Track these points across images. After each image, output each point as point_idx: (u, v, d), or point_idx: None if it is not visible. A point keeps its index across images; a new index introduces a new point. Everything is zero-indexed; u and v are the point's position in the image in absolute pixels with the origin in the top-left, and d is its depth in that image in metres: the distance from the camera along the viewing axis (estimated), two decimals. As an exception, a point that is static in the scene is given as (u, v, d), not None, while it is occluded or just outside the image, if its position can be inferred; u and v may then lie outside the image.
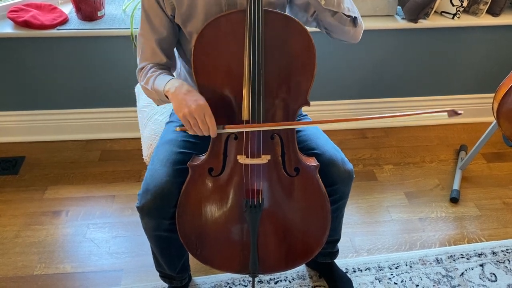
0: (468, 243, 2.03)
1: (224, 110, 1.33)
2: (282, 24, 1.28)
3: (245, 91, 1.28)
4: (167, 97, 1.33)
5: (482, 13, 2.39)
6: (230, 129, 1.31)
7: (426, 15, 2.37)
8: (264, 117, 1.30)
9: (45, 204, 2.17)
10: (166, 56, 1.44)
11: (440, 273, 1.88)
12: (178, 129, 1.30)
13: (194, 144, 1.49)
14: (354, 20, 1.37)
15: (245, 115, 1.29)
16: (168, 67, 1.47)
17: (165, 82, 1.33)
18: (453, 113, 1.19)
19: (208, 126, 1.25)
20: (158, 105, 1.48)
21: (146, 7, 1.39)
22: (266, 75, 1.28)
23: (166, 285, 1.74)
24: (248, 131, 1.32)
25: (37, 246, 1.97)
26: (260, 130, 1.31)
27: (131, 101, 2.14)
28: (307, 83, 1.32)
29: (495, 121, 2.05)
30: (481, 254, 1.96)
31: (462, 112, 1.19)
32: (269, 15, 1.26)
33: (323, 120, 1.39)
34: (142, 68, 1.44)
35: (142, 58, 1.44)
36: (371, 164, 2.47)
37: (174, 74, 1.51)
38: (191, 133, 1.28)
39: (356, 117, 1.33)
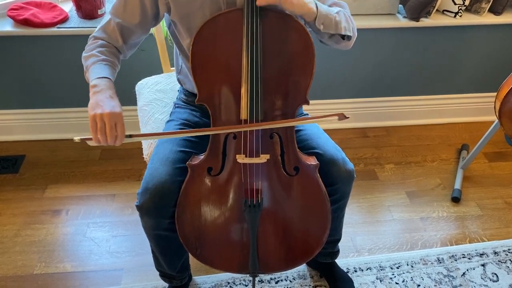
0: (469, 242, 2.02)
1: (223, 109, 1.33)
2: (281, 22, 1.27)
3: (243, 90, 1.27)
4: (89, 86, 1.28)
5: (484, 12, 2.38)
6: (138, 138, 1.29)
7: (428, 14, 2.36)
8: (262, 116, 1.30)
9: (45, 203, 2.17)
10: (123, 42, 1.42)
11: (441, 273, 1.87)
12: (77, 138, 1.21)
13: (194, 143, 1.48)
14: (348, 37, 1.40)
15: (243, 114, 1.28)
16: (120, 52, 1.44)
17: (97, 76, 1.29)
18: (343, 116, 1.21)
19: (115, 134, 1.21)
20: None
21: None
22: (264, 74, 1.27)
23: (166, 284, 1.74)
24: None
25: (37, 245, 1.97)
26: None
27: (132, 100, 2.13)
28: (306, 82, 1.31)
29: (497, 120, 2.04)
30: (482, 254, 1.95)
31: (349, 116, 1.21)
32: (267, 14, 1.26)
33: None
34: (94, 38, 1.41)
35: (100, 28, 1.42)
36: (372, 163, 2.46)
37: (122, 57, 1.47)
38: (92, 143, 1.22)
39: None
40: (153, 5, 1.38)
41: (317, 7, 1.29)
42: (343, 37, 1.39)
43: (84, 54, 1.39)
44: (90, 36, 1.43)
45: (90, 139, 1.21)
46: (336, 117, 1.21)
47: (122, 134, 1.22)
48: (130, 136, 1.23)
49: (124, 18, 1.40)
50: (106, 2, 2.35)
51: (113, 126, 1.20)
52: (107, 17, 1.42)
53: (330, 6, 1.40)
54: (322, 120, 1.27)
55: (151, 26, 1.45)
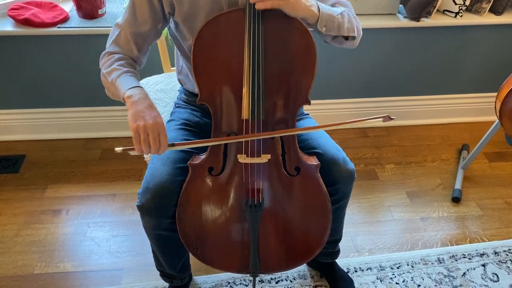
0: (470, 243, 2.02)
1: (224, 109, 1.33)
2: (282, 22, 1.27)
3: (244, 90, 1.27)
4: (124, 100, 1.26)
5: (484, 12, 2.38)
6: (180, 146, 1.29)
7: (428, 14, 2.36)
8: (264, 116, 1.30)
9: (46, 202, 2.17)
10: (138, 51, 1.40)
11: (442, 273, 1.87)
12: (119, 150, 1.19)
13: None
14: (352, 37, 1.39)
15: (245, 114, 1.28)
16: (136, 62, 1.43)
17: (129, 86, 1.27)
18: (388, 118, 1.21)
19: (158, 145, 1.19)
20: (107, 95, 1.40)
21: None
22: (266, 74, 1.27)
23: (166, 284, 1.74)
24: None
25: (37, 245, 1.97)
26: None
27: (132, 100, 2.13)
28: (307, 82, 1.31)
29: (497, 121, 2.04)
30: (483, 254, 1.95)
31: (394, 117, 1.22)
32: (269, 14, 1.25)
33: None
34: (109, 54, 1.39)
35: (112, 43, 1.39)
36: (372, 164, 2.46)
37: (138, 68, 1.46)
38: (134, 153, 1.20)
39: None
40: (161, 6, 1.37)
41: (319, 9, 1.29)
42: (347, 38, 1.38)
43: (104, 71, 1.36)
44: (102, 53, 1.40)
45: (133, 149, 1.20)
46: (381, 119, 1.20)
47: (165, 144, 1.21)
48: (173, 145, 1.24)
49: (136, 26, 1.38)
50: (107, 2, 2.35)
51: (156, 137, 1.19)
52: (115, 31, 1.40)
53: (333, 5, 1.39)
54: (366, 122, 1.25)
55: (162, 28, 1.44)
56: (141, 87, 1.29)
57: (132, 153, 1.21)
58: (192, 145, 1.32)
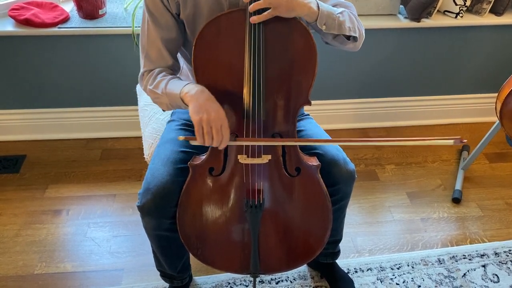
0: (470, 243, 2.02)
1: (225, 110, 1.33)
2: (283, 23, 1.26)
3: (245, 91, 1.27)
4: (182, 100, 1.28)
5: (485, 13, 2.38)
6: (241, 142, 1.29)
7: (429, 14, 2.36)
8: (265, 117, 1.30)
9: (46, 203, 2.17)
10: (172, 58, 1.40)
11: (442, 273, 1.87)
12: (182, 138, 1.28)
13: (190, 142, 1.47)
14: (354, 37, 1.37)
15: (245, 114, 1.28)
16: (174, 70, 1.43)
17: (182, 85, 1.28)
18: (459, 141, 1.18)
19: (221, 137, 1.22)
20: (164, 110, 1.44)
21: (151, 8, 1.35)
22: (266, 74, 1.27)
23: (166, 284, 1.74)
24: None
25: (37, 245, 1.97)
26: (268, 144, 1.32)
27: (132, 100, 2.13)
28: (308, 83, 1.31)
29: (498, 121, 2.04)
30: (483, 255, 1.95)
31: (466, 140, 1.19)
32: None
33: (335, 139, 1.43)
34: (148, 72, 1.40)
35: (146, 60, 1.40)
36: (373, 164, 2.46)
37: (178, 74, 1.47)
38: (197, 142, 1.24)
39: (367, 139, 1.39)
40: (172, 6, 1.36)
41: (318, 7, 1.28)
42: (348, 38, 1.37)
43: (150, 87, 1.37)
44: (140, 75, 1.42)
45: (194, 139, 1.24)
46: (452, 141, 1.17)
47: (227, 136, 1.23)
48: (235, 139, 1.27)
49: (163, 33, 1.37)
50: (107, 2, 2.35)
51: (219, 129, 1.21)
52: (143, 50, 1.40)
53: (334, 6, 1.38)
54: (435, 142, 1.23)
55: (183, 28, 1.42)
56: (193, 82, 1.30)
57: (193, 143, 1.25)
58: (253, 142, 1.30)
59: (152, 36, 1.38)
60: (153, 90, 1.37)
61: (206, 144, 1.23)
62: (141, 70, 1.42)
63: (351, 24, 1.35)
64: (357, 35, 1.36)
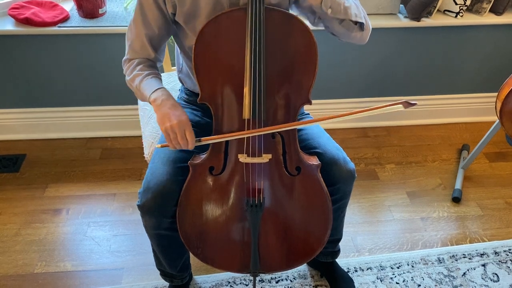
0: (470, 243, 2.02)
1: (225, 109, 1.33)
2: (284, 22, 1.27)
3: (246, 90, 1.27)
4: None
5: (485, 12, 2.38)
6: (207, 141, 1.31)
7: (429, 14, 2.36)
8: (265, 116, 1.29)
9: (46, 202, 2.17)
10: (154, 51, 1.44)
11: (442, 273, 1.87)
12: (159, 146, 1.34)
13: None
14: (361, 25, 1.36)
15: (246, 113, 1.28)
16: (155, 62, 1.48)
17: (152, 90, 1.35)
18: (408, 104, 1.17)
19: (187, 141, 1.28)
20: (138, 99, 1.50)
21: (143, 1, 1.38)
22: (267, 73, 1.27)
23: (166, 283, 1.74)
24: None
25: (37, 244, 1.97)
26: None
27: (132, 99, 2.12)
28: (308, 82, 1.31)
29: (497, 121, 2.04)
30: (483, 254, 1.95)
31: (416, 102, 1.18)
32: (270, 13, 1.25)
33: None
34: (129, 60, 1.45)
35: (130, 49, 1.44)
36: (373, 163, 2.46)
37: (159, 64, 1.51)
38: (171, 148, 1.31)
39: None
40: (165, 6, 1.37)
41: None
42: (355, 23, 1.34)
43: (127, 78, 1.43)
44: (123, 60, 1.47)
45: (168, 145, 1.32)
46: (401, 105, 1.18)
47: (192, 139, 1.29)
48: (200, 140, 1.31)
49: (149, 29, 1.40)
50: (107, 1, 2.35)
51: (183, 134, 1.28)
52: (129, 36, 1.44)
53: None
54: (384, 109, 1.21)
55: (173, 26, 1.45)
56: (163, 88, 1.37)
57: (169, 148, 1.33)
58: (218, 139, 1.32)
59: (138, 29, 1.41)
60: (129, 81, 1.43)
61: (177, 148, 1.30)
62: (125, 56, 1.47)
63: (357, 11, 1.33)
64: (363, 21, 1.34)
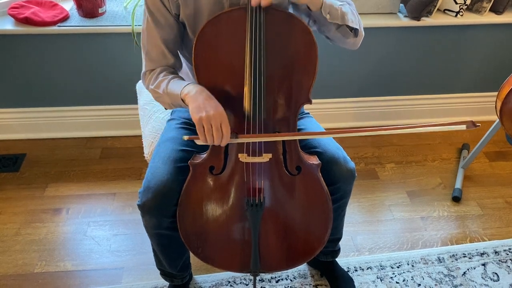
0: (470, 242, 2.02)
1: (225, 108, 1.33)
2: (284, 21, 1.27)
3: (246, 89, 1.27)
4: (183, 101, 1.29)
5: (485, 11, 2.38)
6: (242, 139, 1.29)
7: (429, 13, 2.36)
8: (265, 115, 1.30)
9: (46, 201, 2.17)
10: (173, 56, 1.42)
11: (442, 272, 1.87)
12: (186, 137, 1.28)
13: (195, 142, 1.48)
14: (355, 31, 1.38)
15: (246, 113, 1.28)
16: (175, 68, 1.45)
17: (182, 86, 1.30)
18: (472, 125, 1.16)
19: (221, 134, 1.23)
20: (166, 109, 1.46)
21: (151, 7, 1.36)
22: (267, 73, 1.27)
23: (166, 283, 1.74)
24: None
25: (37, 243, 1.97)
26: (269, 140, 1.32)
27: (132, 99, 2.13)
28: (308, 81, 1.31)
29: (498, 120, 2.04)
30: (483, 254, 1.95)
31: (479, 125, 1.17)
32: (270, 13, 1.25)
33: (337, 130, 1.40)
34: (150, 71, 1.42)
35: (148, 61, 1.42)
36: (373, 163, 2.46)
37: (179, 72, 1.49)
38: (200, 142, 1.26)
39: (367, 128, 1.31)
40: (173, 7, 1.36)
41: None
42: (351, 30, 1.36)
43: (151, 87, 1.39)
44: (142, 74, 1.45)
45: (198, 138, 1.25)
46: (464, 126, 1.15)
47: (227, 133, 1.24)
48: (236, 136, 1.27)
49: (162, 31, 1.38)
50: (107, 1, 2.34)
51: (219, 127, 1.22)
52: (145, 49, 1.41)
53: None
54: (445, 128, 1.20)
55: (183, 28, 1.43)
56: (193, 82, 1.32)
57: (198, 142, 1.27)
58: (256, 139, 1.30)
59: (152, 36, 1.39)
60: (154, 89, 1.38)
61: (209, 143, 1.24)
62: (143, 69, 1.44)
63: (353, 17, 1.36)
64: (358, 27, 1.37)
